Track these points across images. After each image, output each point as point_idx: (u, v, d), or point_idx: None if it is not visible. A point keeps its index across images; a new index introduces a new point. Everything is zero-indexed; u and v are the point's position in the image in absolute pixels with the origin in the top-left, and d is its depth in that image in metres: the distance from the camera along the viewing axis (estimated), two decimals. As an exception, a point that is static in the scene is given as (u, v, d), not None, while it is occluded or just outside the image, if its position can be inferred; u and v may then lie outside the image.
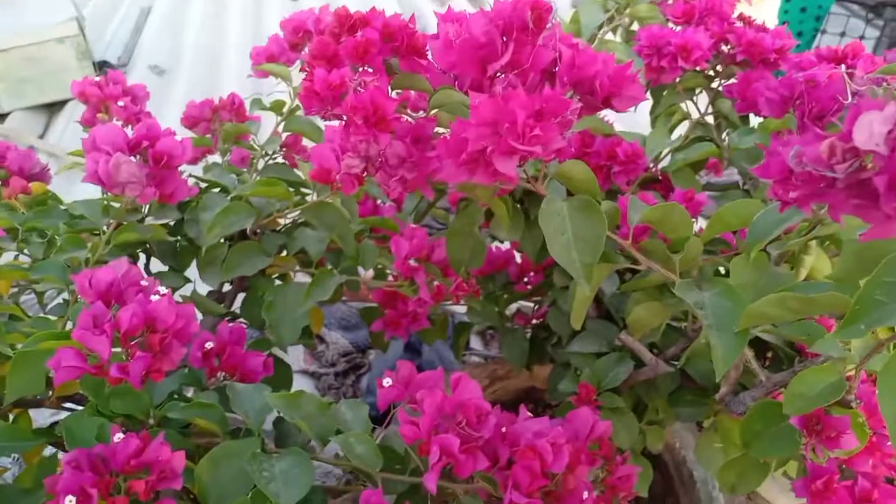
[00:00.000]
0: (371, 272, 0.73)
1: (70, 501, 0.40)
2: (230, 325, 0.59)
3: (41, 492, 0.51)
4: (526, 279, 0.82)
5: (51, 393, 0.62)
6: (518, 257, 0.81)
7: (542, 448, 0.42)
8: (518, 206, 0.61)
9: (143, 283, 0.48)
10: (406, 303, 0.73)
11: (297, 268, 0.73)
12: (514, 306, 0.83)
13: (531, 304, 0.83)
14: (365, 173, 0.47)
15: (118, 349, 0.45)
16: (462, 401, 0.44)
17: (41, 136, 2.00)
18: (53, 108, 2.12)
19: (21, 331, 0.55)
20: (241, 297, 0.74)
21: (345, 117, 0.45)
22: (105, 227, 0.66)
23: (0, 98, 2.04)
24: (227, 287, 0.76)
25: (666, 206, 0.50)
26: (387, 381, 0.47)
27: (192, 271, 0.71)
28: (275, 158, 0.83)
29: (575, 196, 0.46)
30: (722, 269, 0.64)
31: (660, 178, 0.80)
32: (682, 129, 0.85)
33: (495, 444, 0.44)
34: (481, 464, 0.42)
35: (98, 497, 0.41)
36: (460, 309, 0.81)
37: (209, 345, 0.57)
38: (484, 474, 0.44)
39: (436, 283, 0.60)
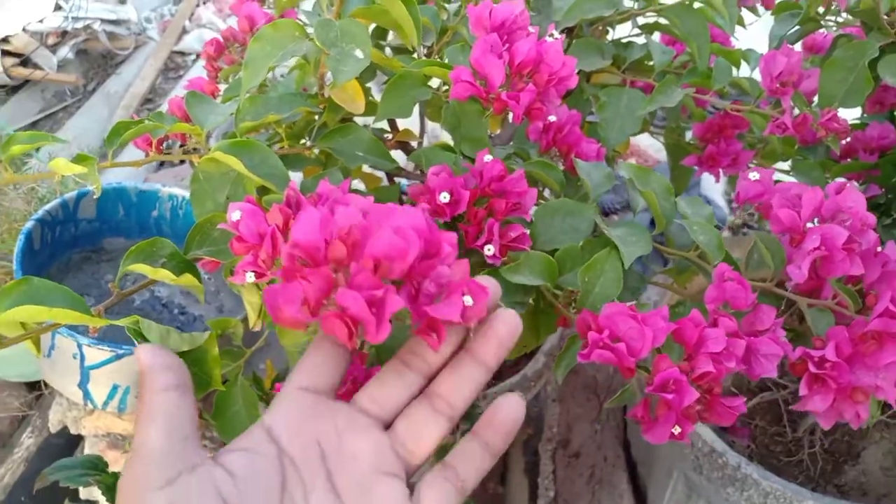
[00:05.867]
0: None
1: (444, 197, 0.44)
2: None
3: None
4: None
5: (392, 136, 0.68)
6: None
7: (935, 270, 0.38)
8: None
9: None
10: (731, 142, 0.69)
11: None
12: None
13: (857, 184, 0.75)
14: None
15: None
16: (846, 206, 0.41)
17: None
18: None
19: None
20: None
21: None
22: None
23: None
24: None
25: None
26: (753, 175, 0.45)
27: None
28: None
29: None
30: None
31: None
32: None
33: (867, 259, 0.41)
34: (856, 268, 0.39)
35: (468, 200, 0.44)
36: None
37: (552, 118, 0.58)
38: (846, 287, 0.41)
39: (797, 112, 0.55)
